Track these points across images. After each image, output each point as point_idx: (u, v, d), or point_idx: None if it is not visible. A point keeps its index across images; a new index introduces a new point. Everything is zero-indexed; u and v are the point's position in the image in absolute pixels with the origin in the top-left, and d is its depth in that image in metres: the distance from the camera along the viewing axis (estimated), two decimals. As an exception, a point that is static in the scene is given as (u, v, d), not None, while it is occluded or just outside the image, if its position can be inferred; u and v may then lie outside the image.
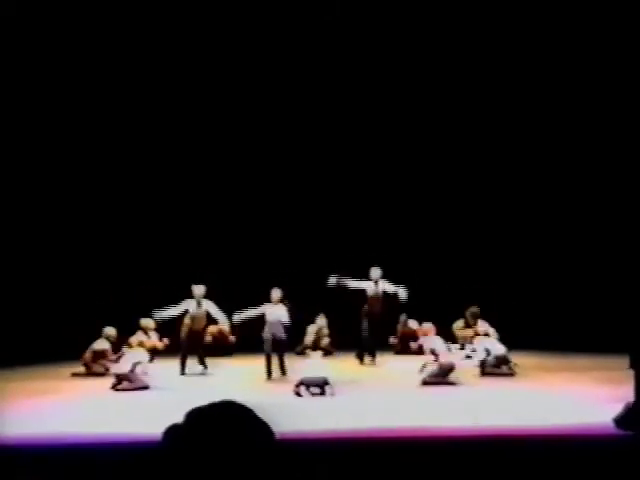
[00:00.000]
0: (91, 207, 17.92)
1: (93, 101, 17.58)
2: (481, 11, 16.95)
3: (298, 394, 11.93)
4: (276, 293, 14.01)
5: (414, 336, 14.94)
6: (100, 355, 14.44)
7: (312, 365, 12.43)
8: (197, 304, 14.31)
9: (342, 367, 14.07)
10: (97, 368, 14.29)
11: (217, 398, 2.10)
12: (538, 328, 16.15)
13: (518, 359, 15.19)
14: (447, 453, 7.94)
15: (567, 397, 11.43)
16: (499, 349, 13.77)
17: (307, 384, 12.01)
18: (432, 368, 12.87)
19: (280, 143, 18.13)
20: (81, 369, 14.47)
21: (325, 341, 16.06)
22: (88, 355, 14.42)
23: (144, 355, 13.44)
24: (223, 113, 18.07)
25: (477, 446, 8.41)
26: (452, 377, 12.94)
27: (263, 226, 18.05)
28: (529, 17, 16.90)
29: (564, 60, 17.13)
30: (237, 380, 13.34)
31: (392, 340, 16.24)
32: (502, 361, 13.88)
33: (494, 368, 13.78)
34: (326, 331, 16.21)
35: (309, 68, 17.60)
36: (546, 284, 17.43)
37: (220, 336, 15.98)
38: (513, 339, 15.54)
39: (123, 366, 13.06)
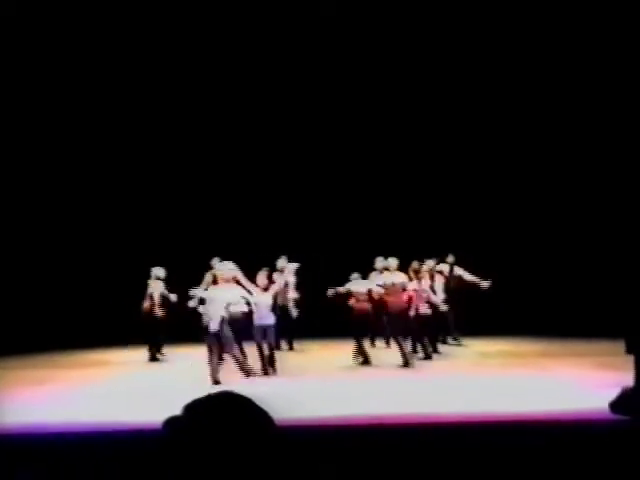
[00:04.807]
0: (88, 207, 17.93)
1: (92, 100, 17.56)
2: (481, 10, 16.93)
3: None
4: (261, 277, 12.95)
5: None
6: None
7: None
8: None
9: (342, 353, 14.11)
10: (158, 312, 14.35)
11: (217, 388, 2.07)
12: (537, 314, 16.22)
13: (518, 345, 15.32)
14: (445, 439, 7.95)
15: (564, 382, 11.48)
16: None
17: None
18: None
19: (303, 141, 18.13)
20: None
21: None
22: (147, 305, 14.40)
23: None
24: (224, 115, 18.04)
25: (475, 432, 8.41)
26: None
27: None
28: (529, 17, 16.88)
29: (565, 53, 17.17)
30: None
31: None
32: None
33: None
34: (292, 279, 14.85)
35: (310, 64, 17.58)
36: (546, 270, 17.49)
37: None
38: (514, 325, 15.62)
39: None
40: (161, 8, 16.70)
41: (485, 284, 15.40)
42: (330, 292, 13.77)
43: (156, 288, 14.42)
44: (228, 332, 11.83)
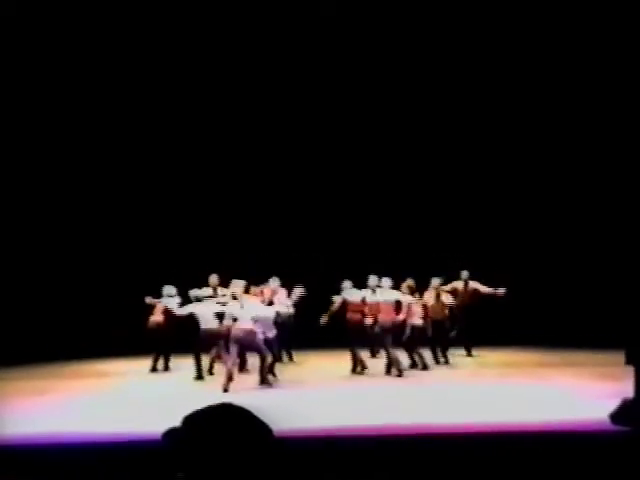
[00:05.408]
0: (90, 218, 17.94)
1: (93, 100, 17.58)
2: (481, 10, 16.96)
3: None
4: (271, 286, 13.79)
5: None
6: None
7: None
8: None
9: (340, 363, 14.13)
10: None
11: (216, 399, 2.09)
12: (536, 324, 16.21)
13: (517, 355, 15.29)
14: (443, 448, 7.95)
15: (563, 392, 11.47)
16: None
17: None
18: None
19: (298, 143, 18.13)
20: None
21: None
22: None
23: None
24: (224, 119, 18.05)
25: (474, 442, 8.41)
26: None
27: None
28: (529, 17, 16.91)
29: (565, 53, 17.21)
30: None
31: None
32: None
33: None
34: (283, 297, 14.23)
35: (309, 67, 17.59)
36: (545, 280, 17.48)
37: None
38: (512, 335, 15.60)
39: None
40: (161, 8, 16.71)
41: (501, 291, 15.35)
42: (323, 320, 13.86)
43: (167, 303, 14.37)
44: (260, 340, 12.43)
